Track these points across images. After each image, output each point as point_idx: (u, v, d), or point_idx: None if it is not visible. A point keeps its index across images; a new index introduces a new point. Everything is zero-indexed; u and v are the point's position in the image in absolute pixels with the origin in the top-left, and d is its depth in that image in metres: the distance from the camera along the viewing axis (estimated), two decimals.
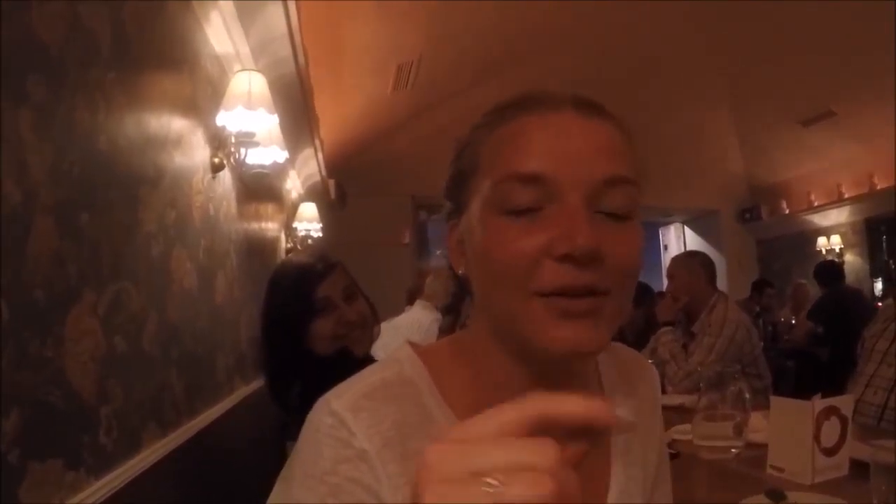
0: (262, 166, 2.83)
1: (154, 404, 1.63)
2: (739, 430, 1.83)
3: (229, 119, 2.40)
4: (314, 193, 6.04)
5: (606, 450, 0.76)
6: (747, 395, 1.93)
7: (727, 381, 1.98)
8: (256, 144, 2.53)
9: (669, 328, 3.23)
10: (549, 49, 5.62)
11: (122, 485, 1.33)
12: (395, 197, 7.73)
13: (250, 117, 2.36)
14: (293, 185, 5.33)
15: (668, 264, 3.58)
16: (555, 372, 0.68)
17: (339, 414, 0.65)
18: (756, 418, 1.93)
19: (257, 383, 2.77)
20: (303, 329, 1.54)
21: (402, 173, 7.35)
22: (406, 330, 2.66)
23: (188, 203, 2.13)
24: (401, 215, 7.89)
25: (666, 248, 10.66)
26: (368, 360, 1.61)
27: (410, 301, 3.73)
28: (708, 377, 2.29)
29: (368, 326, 1.64)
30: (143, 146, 1.73)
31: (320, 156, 5.43)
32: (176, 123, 2.07)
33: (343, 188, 7.04)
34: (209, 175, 2.46)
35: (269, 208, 4.30)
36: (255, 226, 3.65)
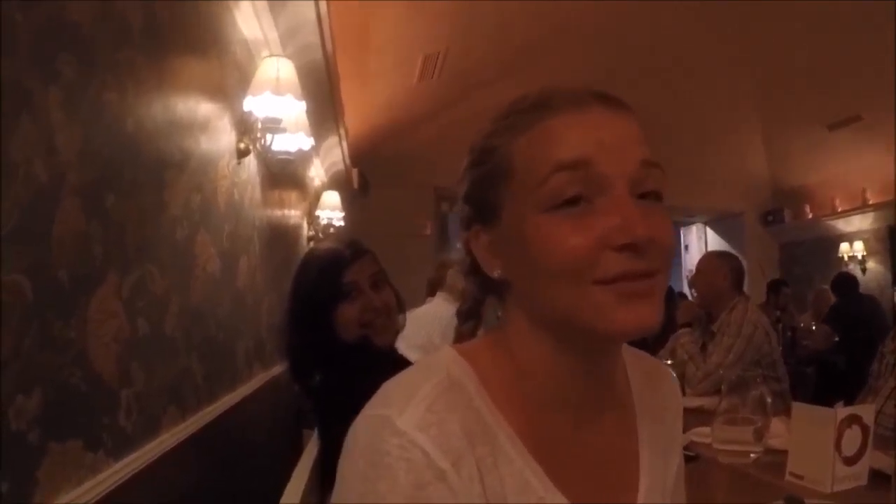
0: (288, 153, 2.82)
1: (174, 388, 1.63)
2: (760, 435, 1.80)
3: (256, 104, 2.39)
4: (337, 182, 6.05)
5: (635, 454, 0.78)
6: (769, 400, 1.90)
7: (748, 384, 1.95)
8: (283, 131, 2.53)
9: (688, 329, 3.20)
10: (574, 45, 5.57)
11: (140, 467, 1.33)
12: (417, 188, 7.69)
13: (277, 103, 2.35)
14: (317, 172, 5.34)
15: (696, 261, 3.55)
16: (599, 365, 0.73)
17: (408, 434, 0.63)
18: (776, 424, 1.90)
19: (276, 369, 2.78)
20: (328, 313, 1.53)
21: (425, 164, 7.31)
22: (427, 321, 2.65)
23: (213, 188, 2.13)
24: (423, 206, 7.87)
25: (687, 248, 10.53)
26: (391, 350, 1.59)
27: (431, 292, 3.71)
28: (729, 380, 2.26)
29: (393, 316, 1.62)
30: (171, 129, 1.72)
31: (345, 144, 5.43)
32: (203, 108, 2.07)
33: (366, 177, 7.04)
34: (235, 160, 2.45)
35: (293, 196, 4.30)
36: (278, 213, 3.66)
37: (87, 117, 1.25)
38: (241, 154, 2.51)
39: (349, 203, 5.99)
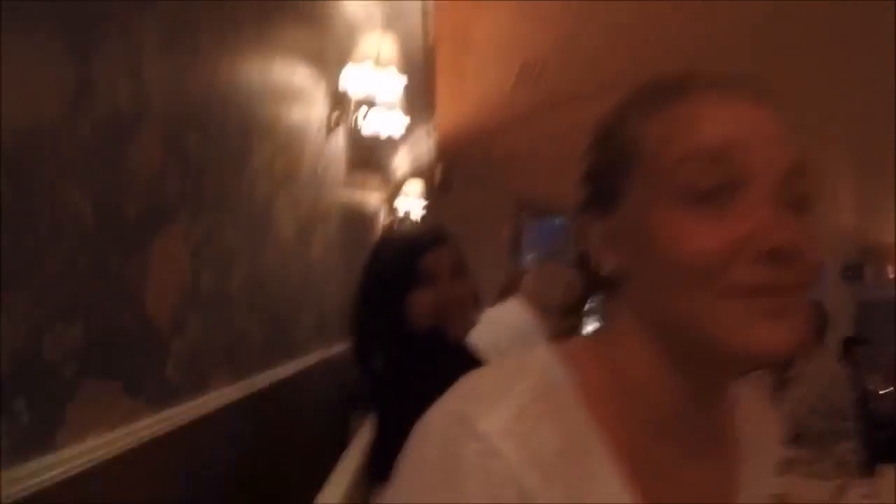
0: (378, 135, 2.76)
1: (229, 349, 1.56)
2: (840, 492, 1.68)
3: (354, 79, 2.33)
4: (420, 175, 5.99)
5: (733, 498, 0.68)
6: (852, 458, 1.77)
7: (832, 438, 1.82)
8: (377, 105, 2.45)
9: (759, 372, 3.00)
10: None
11: (182, 423, 1.25)
12: (498, 193, 7.59)
13: (377, 77, 2.28)
14: (401, 161, 5.29)
15: None
16: (715, 390, 0.63)
17: (492, 439, 0.53)
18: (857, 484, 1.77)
19: (336, 349, 2.71)
20: (401, 298, 1.42)
21: (509, 172, 7.21)
22: (498, 324, 2.52)
23: (299, 154, 2.07)
24: (502, 212, 7.76)
25: None
26: (463, 345, 1.49)
27: (501, 298, 3.60)
28: (810, 431, 2.11)
29: (470, 310, 1.51)
30: (263, 86, 1.67)
31: (433, 137, 5.37)
32: (299, 72, 2.01)
33: (450, 175, 6.97)
34: (324, 132, 2.40)
35: (375, 181, 4.26)
36: (358, 195, 3.60)
37: (182, 50, 1.19)
38: (331, 128, 2.45)
39: (428, 199, 5.92)
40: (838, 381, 2.85)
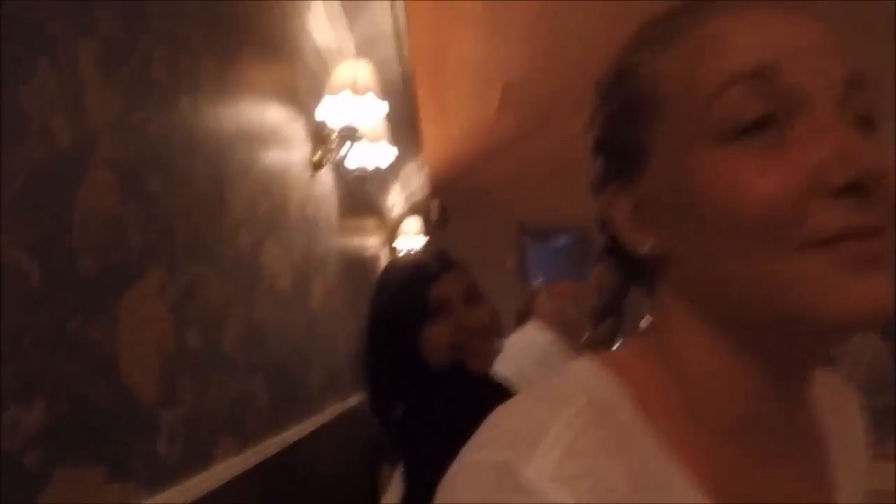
0: (364, 170, 2.63)
1: (233, 414, 1.41)
2: None
3: (332, 110, 2.20)
4: (416, 213, 5.87)
5: (830, 481, 0.55)
6: None
7: (888, 415, 1.67)
8: (360, 138, 2.33)
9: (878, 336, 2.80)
10: None
11: (184, 503, 1.10)
12: (498, 221, 7.47)
13: (356, 104, 2.15)
14: (395, 200, 5.17)
15: None
16: (796, 378, 0.50)
17: (542, 490, 0.40)
18: None
19: (353, 400, 2.54)
20: (414, 335, 1.25)
21: (506, 198, 7.10)
22: (518, 350, 2.36)
23: (284, 196, 1.94)
24: (504, 240, 7.62)
25: None
26: (488, 378, 1.32)
27: (518, 324, 3.45)
28: (874, 410, 1.93)
29: (491, 337, 1.33)
30: (233, 121, 1.54)
31: (424, 171, 5.26)
32: (273, 111, 1.89)
33: (446, 209, 6.86)
34: (308, 172, 2.27)
35: (371, 223, 4.13)
36: (355, 240, 3.47)
37: (130, 84, 1.05)
38: (316, 167, 2.32)
39: (428, 236, 5.79)
40: (881, 356, 2.67)
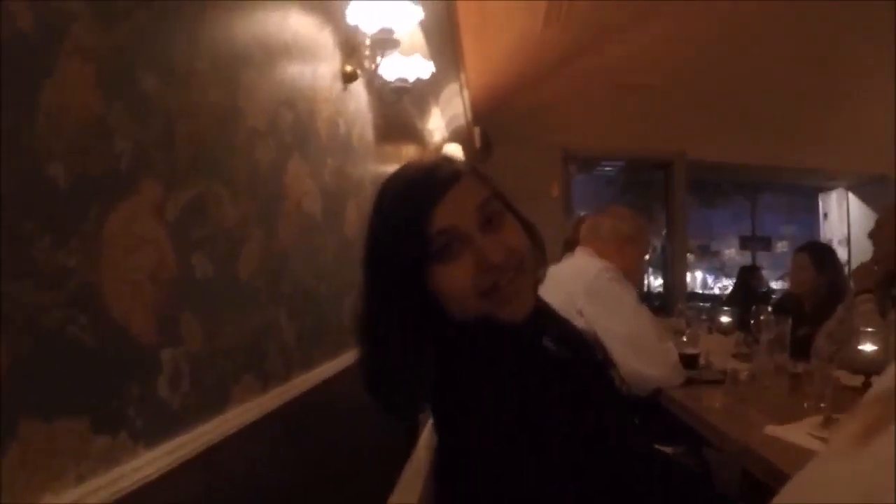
0: (405, 81, 2.41)
1: (252, 351, 1.26)
2: None
3: (363, 14, 1.98)
4: (458, 140, 5.63)
5: None
6: None
7: None
8: (396, 45, 2.10)
9: (868, 295, 2.60)
10: None
11: (193, 454, 0.95)
12: (543, 148, 7.18)
13: (390, 9, 1.92)
14: (436, 125, 4.94)
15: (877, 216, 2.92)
16: None
17: None
18: None
19: None
20: (420, 285, 0.94)
21: (552, 122, 6.80)
22: (567, 278, 2.18)
23: (310, 109, 1.74)
24: (549, 167, 7.33)
25: (826, 216, 9.44)
26: (526, 324, 0.96)
27: (566, 252, 3.26)
28: None
29: (526, 267, 0.96)
30: (249, 21, 1.34)
31: (466, 94, 5.00)
32: (296, 11, 1.68)
33: (489, 136, 6.59)
34: (339, 84, 2.07)
35: (410, 149, 3.92)
36: (394, 167, 3.27)
37: None
38: (348, 78, 2.12)
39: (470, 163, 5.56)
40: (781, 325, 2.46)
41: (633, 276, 2.36)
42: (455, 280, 0.92)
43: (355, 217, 2.15)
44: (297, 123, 1.62)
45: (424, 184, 0.94)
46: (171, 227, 0.97)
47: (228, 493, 1.08)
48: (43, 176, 0.72)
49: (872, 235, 2.76)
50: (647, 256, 2.49)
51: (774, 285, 9.65)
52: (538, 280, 1.03)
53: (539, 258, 1.02)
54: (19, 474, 0.66)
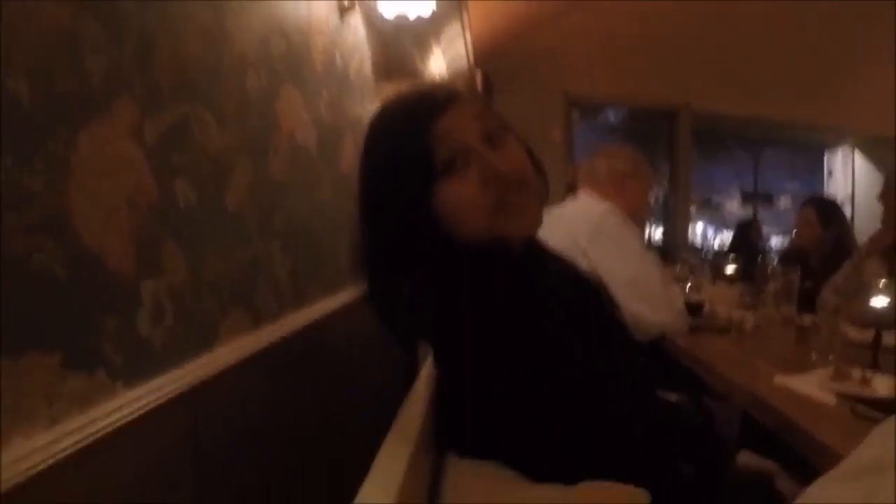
0: (405, 18, 2.31)
1: (242, 285, 1.20)
2: None
3: None
4: (459, 81, 5.49)
5: None
6: None
7: None
8: None
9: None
10: None
11: (176, 393, 0.90)
12: (545, 92, 7.02)
13: None
14: (437, 65, 4.81)
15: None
16: None
17: None
18: None
19: None
20: (423, 202, 0.88)
21: (554, 66, 6.65)
22: (571, 220, 2.11)
23: (304, 40, 1.65)
24: (552, 112, 7.18)
25: (831, 173, 9.31)
26: (534, 247, 0.97)
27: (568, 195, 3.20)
28: None
29: (533, 188, 0.93)
30: None
31: (468, 36, 4.86)
32: None
33: (490, 80, 6.45)
34: (335, 16, 1.97)
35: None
36: None
37: None
38: (344, 10, 2.02)
39: None
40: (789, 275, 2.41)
41: (641, 212, 2.30)
42: (462, 195, 0.87)
43: (352, 153, 2.07)
44: (291, 53, 1.53)
45: (424, 101, 0.91)
46: (149, 151, 0.90)
47: (216, 435, 1.03)
48: (2, 89, 0.65)
49: (883, 197, 2.70)
50: (650, 188, 2.40)
51: (775, 241, 9.59)
52: (542, 203, 0.98)
53: (542, 183, 0.98)
54: None
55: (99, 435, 0.74)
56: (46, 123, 0.70)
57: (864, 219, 8.06)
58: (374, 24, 2.39)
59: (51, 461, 0.67)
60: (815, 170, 9.68)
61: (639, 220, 2.26)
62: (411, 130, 0.88)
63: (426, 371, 1.13)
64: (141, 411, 0.82)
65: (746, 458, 1.34)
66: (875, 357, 1.46)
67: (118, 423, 0.78)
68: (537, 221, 0.94)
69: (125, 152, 0.84)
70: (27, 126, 0.68)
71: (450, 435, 0.92)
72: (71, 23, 0.75)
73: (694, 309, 2.14)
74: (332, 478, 1.59)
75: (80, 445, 0.71)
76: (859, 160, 8.90)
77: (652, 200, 2.90)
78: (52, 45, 0.72)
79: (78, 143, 0.75)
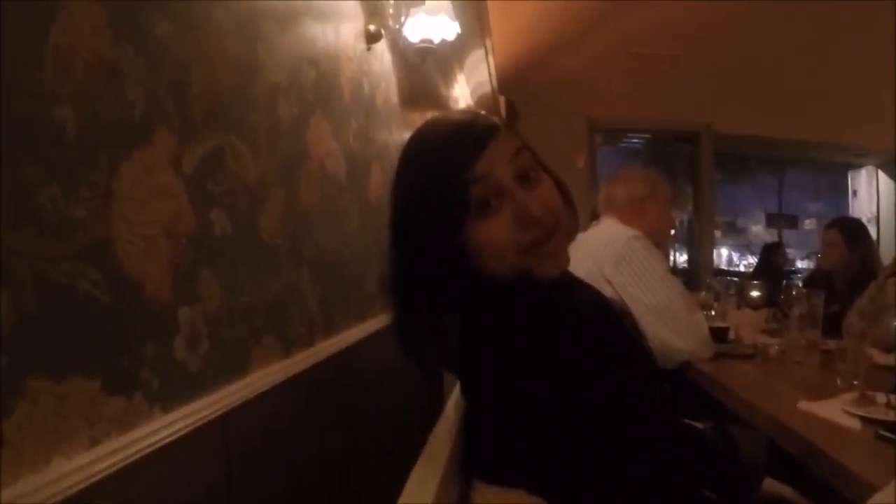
0: (429, 42, 2.34)
1: (274, 312, 1.22)
2: None
3: None
4: (483, 107, 5.54)
5: None
6: None
7: None
8: (421, 2, 2.03)
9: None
10: None
11: (212, 417, 0.92)
12: (568, 118, 7.06)
13: None
14: (461, 92, 4.85)
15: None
16: None
17: None
18: None
19: None
20: (455, 240, 0.89)
21: (577, 92, 6.67)
22: (595, 246, 2.12)
23: (334, 67, 1.68)
24: (575, 138, 7.20)
25: (855, 193, 9.21)
26: (561, 284, 0.93)
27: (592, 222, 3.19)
28: None
29: (563, 227, 0.93)
30: None
31: (491, 61, 4.90)
32: None
33: (514, 106, 6.49)
34: (362, 44, 2.00)
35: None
36: None
37: None
38: (371, 38, 2.05)
39: None
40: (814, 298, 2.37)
41: (664, 232, 2.29)
42: (495, 234, 0.88)
43: (380, 182, 2.10)
44: (320, 81, 1.56)
45: (464, 137, 0.89)
46: (187, 181, 0.92)
47: (248, 458, 1.04)
48: (49, 120, 0.67)
49: None
50: (671, 207, 2.39)
51: (800, 264, 9.47)
52: (572, 238, 0.99)
53: (571, 217, 0.98)
54: (27, 433, 0.62)
55: (137, 457, 0.76)
56: (91, 153, 0.73)
57: (889, 238, 7.95)
58: (400, 50, 2.42)
59: (90, 481, 0.68)
60: (840, 189, 9.60)
61: (663, 242, 2.25)
62: (449, 169, 0.87)
63: (454, 398, 1.13)
64: (176, 435, 0.84)
65: (769, 485, 1.33)
66: None
67: (155, 446, 0.79)
68: (566, 261, 0.94)
69: (165, 181, 0.87)
70: (73, 154, 0.70)
71: (477, 462, 0.93)
72: (113, 55, 0.78)
73: (719, 335, 2.12)
74: (361, 502, 1.59)
75: (118, 466, 0.73)
76: (883, 179, 8.80)
77: (675, 220, 2.87)
78: (96, 76, 0.75)
79: (120, 172, 0.77)
